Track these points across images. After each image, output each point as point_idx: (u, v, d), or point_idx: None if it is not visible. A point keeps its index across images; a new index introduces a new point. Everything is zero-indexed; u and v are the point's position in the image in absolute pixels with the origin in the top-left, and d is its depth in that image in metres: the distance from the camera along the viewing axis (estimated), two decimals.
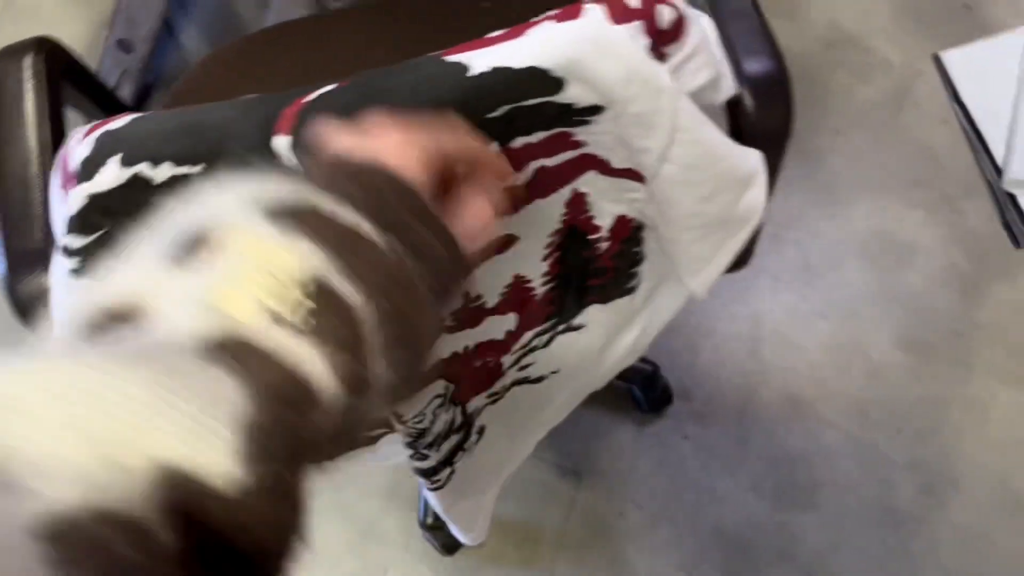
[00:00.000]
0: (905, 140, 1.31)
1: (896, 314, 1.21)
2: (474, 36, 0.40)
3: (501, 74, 0.38)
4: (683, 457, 1.16)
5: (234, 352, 0.24)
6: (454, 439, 0.63)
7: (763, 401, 1.18)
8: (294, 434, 0.25)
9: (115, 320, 0.25)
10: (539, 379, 0.66)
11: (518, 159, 0.44)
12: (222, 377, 0.23)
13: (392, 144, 0.32)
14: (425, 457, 0.63)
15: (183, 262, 0.26)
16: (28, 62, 0.61)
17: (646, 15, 0.41)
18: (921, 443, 1.15)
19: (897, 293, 1.22)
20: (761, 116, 0.57)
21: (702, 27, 0.47)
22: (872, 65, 1.35)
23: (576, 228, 0.53)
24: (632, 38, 0.41)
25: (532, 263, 0.53)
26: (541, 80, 0.39)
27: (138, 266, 0.28)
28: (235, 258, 0.26)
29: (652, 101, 0.42)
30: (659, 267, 0.61)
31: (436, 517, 1.04)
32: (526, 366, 0.63)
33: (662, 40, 0.43)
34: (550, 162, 0.46)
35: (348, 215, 0.28)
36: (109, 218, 0.38)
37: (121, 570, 0.19)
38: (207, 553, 0.21)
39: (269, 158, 0.37)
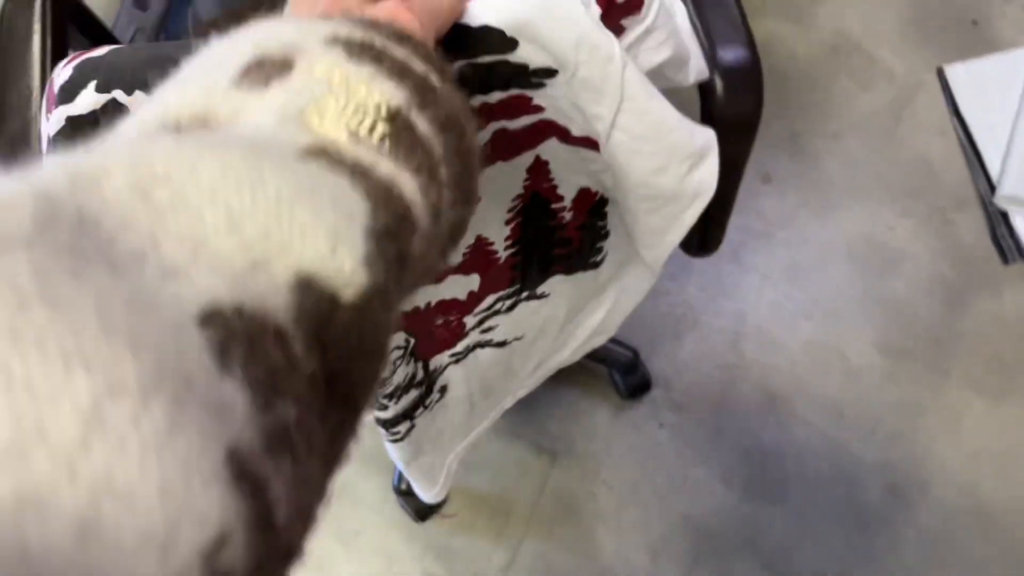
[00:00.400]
0: (902, 149, 1.32)
1: (879, 318, 1.23)
2: None
3: (456, 30, 0.40)
4: (658, 443, 1.18)
5: (335, 162, 0.22)
6: (414, 393, 0.66)
7: (741, 395, 1.20)
8: (402, 250, 0.23)
9: (187, 129, 0.23)
10: (502, 343, 0.68)
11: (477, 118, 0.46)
12: (343, 182, 0.22)
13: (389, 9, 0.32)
14: (384, 408, 0.65)
15: (251, 83, 0.24)
16: (38, 5, 0.64)
17: None
18: (893, 446, 1.16)
19: (881, 298, 1.24)
20: (731, 103, 0.59)
21: (665, 4, 0.49)
22: (875, 73, 1.37)
23: (539, 195, 0.55)
24: (584, 4, 0.43)
25: (495, 226, 0.55)
26: (495, 39, 0.41)
27: (202, 83, 0.25)
28: (313, 81, 0.24)
29: (601, 67, 0.44)
30: (625, 245, 0.63)
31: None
32: (488, 329, 0.66)
33: (617, 12, 0.45)
34: (511, 125, 0.48)
35: (414, 60, 0.27)
36: (86, 139, 0.41)
37: (269, 372, 0.17)
38: (328, 366, 0.20)
39: None
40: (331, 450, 0.21)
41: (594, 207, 0.59)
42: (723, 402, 1.20)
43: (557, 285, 0.65)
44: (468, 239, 0.55)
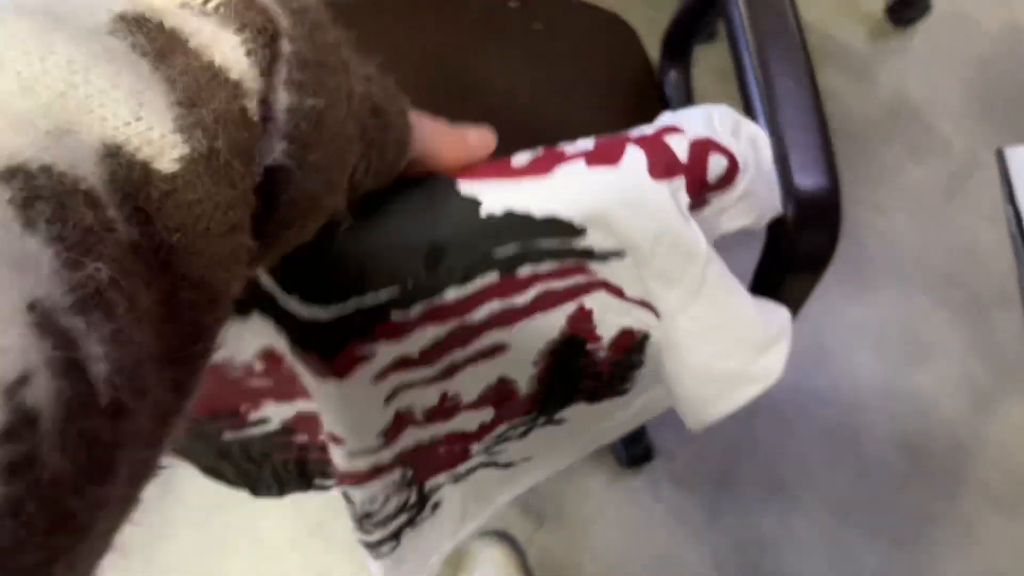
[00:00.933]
0: (948, 232, 1.24)
1: (900, 413, 1.16)
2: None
3: (515, 219, 0.32)
4: (652, 518, 1.12)
5: (148, 30, 0.22)
6: (404, 517, 0.59)
7: (745, 477, 1.13)
8: (227, 117, 0.23)
9: None
10: (508, 464, 0.61)
11: (521, 285, 0.39)
12: (149, 52, 0.22)
13: None
14: (370, 532, 0.59)
15: None
16: None
17: (694, 170, 0.36)
18: (896, 552, 1.10)
19: (906, 392, 1.17)
20: (803, 239, 0.52)
21: (753, 171, 0.41)
22: (931, 145, 1.28)
23: (575, 337, 0.48)
24: (673, 195, 0.35)
25: (521, 368, 0.48)
26: (561, 228, 0.33)
27: None
28: None
29: (681, 262, 0.37)
30: (658, 374, 0.56)
31: None
32: (496, 452, 0.59)
33: (708, 191, 0.37)
34: (558, 284, 0.41)
35: None
36: None
37: (78, 232, 0.18)
38: (155, 236, 0.20)
39: None
40: (169, 323, 0.21)
41: (634, 346, 0.52)
42: (726, 482, 1.13)
43: (577, 411, 0.58)
44: (488, 380, 0.48)
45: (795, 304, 0.58)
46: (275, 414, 0.50)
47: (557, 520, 1.11)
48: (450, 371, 0.43)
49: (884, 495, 1.13)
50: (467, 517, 0.70)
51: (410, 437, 0.49)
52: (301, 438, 0.54)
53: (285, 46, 0.25)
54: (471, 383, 0.46)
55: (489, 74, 0.75)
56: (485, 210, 0.32)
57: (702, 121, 0.41)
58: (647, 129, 0.36)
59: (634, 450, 1.10)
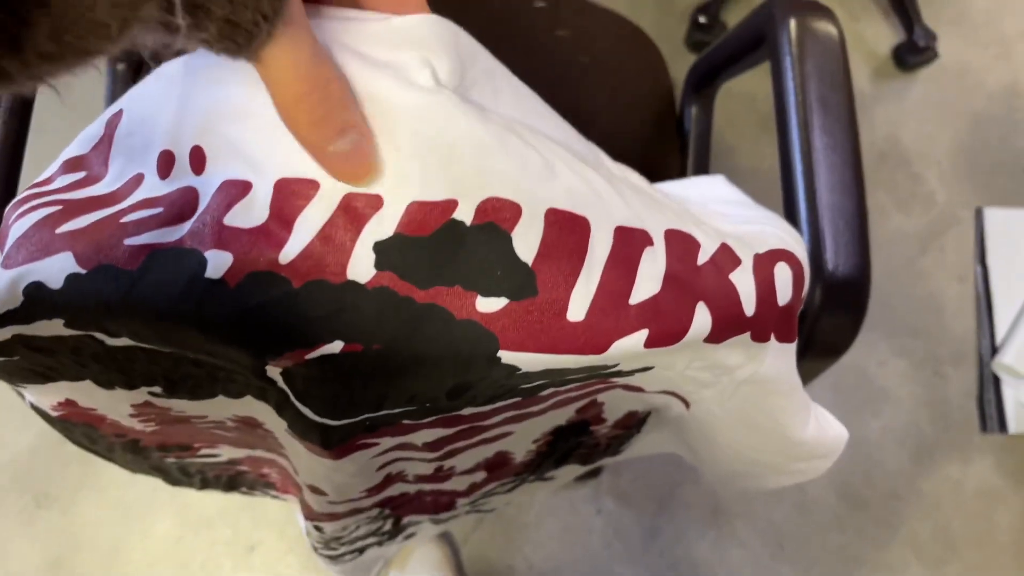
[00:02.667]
0: (918, 284, 1.25)
1: (845, 457, 1.17)
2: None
3: (552, 371, 0.29)
4: (591, 530, 1.11)
5: None
6: (373, 539, 0.56)
7: (685, 499, 1.14)
8: None
9: None
10: (490, 510, 0.59)
11: (540, 400, 0.36)
12: None
13: None
14: (335, 550, 0.56)
15: None
16: None
17: (761, 321, 0.33)
18: None
19: (854, 437, 1.18)
20: (826, 323, 0.50)
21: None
22: (916, 195, 1.29)
23: (581, 421, 0.45)
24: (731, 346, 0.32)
25: (521, 445, 0.45)
26: (594, 368, 0.30)
27: None
28: None
29: (713, 375, 0.35)
30: (651, 437, 0.54)
31: None
32: (481, 503, 0.56)
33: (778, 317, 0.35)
34: (576, 393, 0.38)
35: None
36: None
37: None
38: None
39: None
40: None
41: (636, 423, 0.50)
42: (667, 502, 1.13)
43: (568, 469, 0.56)
44: (487, 455, 0.45)
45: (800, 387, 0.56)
46: (227, 452, 0.46)
47: (496, 521, 1.10)
48: (450, 454, 0.40)
49: (818, 534, 1.14)
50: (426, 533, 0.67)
51: (396, 490, 0.46)
52: (242, 467, 0.51)
53: None
54: (468, 459, 0.44)
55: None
56: (523, 370, 0.28)
57: (758, 219, 0.38)
58: (709, 246, 0.32)
59: None
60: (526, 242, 0.27)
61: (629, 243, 0.29)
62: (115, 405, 0.36)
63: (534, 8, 0.74)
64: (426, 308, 0.26)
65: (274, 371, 0.28)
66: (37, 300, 0.27)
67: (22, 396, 0.37)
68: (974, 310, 1.25)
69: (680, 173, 0.72)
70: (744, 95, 1.26)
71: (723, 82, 0.70)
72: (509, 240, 0.26)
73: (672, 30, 1.34)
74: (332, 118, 0.24)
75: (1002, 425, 1.20)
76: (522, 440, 0.43)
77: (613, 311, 0.28)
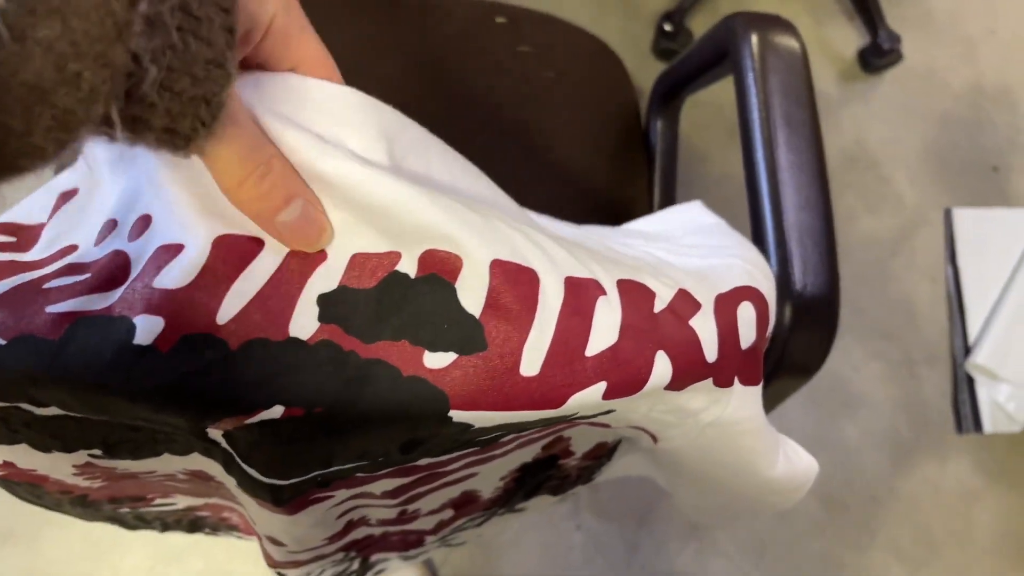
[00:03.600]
0: (889, 286, 1.25)
1: (824, 462, 1.17)
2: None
3: (508, 425, 0.28)
4: (571, 547, 1.10)
5: None
6: None
7: (666, 513, 1.13)
8: None
9: None
10: (460, 544, 0.57)
11: (500, 446, 0.34)
12: None
13: None
14: None
15: None
16: None
17: (723, 367, 0.32)
18: None
19: (832, 442, 1.18)
20: (797, 343, 0.49)
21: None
22: (885, 197, 1.29)
23: (549, 456, 0.44)
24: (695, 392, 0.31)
25: (487, 484, 0.43)
26: (552, 419, 0.29)
27: None
28: None
29: (678, 418, 0.34)
30: (624, 460, 0.53)
31: None
32: (450, 539, 0.55)
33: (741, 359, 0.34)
34: (538, 435, 0.37)
35: None
36: None
37: None
38: None
39: None
40: None
41: (606, 452, 0.49)
42: (647, 517, 1.12)
43: (539, 501, 0.54)
44: (453, 496, 0.43)
45: (770, 405, 0.55)
46: (183, 501, 0.44)
47: (475, 540, 1.08)
48: (412, 499, 0.39)
49: (798, 541, 1.14)
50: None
51: (361, 533, 0.44)
52: (202, 512, 0.49)
53: None
54: (433, 500, 0.42)
55: (470, 89, 0.69)
56: (476, 427, 0.27)
57: (729, 247, 0.37)
58: (666, 294, 0.31)
59: None
60: (472, 294, 0.25)
61: (581, 294, 0.27)
62: (56, 465, 0.34)
63: (495, 24, 0.73)
64: (371, 364, 0.25)
65: (216, 433, 0.27)
66: None
67: None
68: (946, 310, 1.25)
69: (647, 186, 0.71)
70: (711, 104, 1.25)
71: (688, 95, 0.69)
72: (453, 291, 0.25)
73: (639, 37, 1.33)
74: (277, 190, 0.24)
75: (977, 425, 1.20)
76: (488, 479, 0.42)
77: (568, 364, 0.26)
